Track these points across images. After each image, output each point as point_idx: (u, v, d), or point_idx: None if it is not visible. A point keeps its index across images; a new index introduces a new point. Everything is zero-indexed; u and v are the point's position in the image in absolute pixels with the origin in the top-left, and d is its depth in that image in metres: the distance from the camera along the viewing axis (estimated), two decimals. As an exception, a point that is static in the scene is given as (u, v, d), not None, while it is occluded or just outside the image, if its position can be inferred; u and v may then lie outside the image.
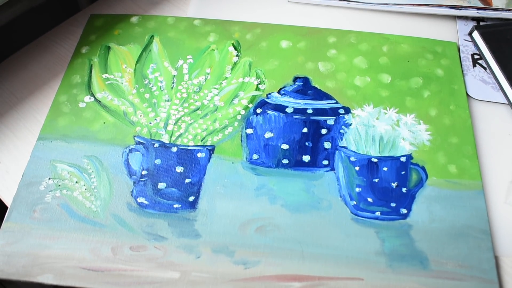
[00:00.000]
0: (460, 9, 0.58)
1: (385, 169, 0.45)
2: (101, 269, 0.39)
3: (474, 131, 0.48)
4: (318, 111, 0.48)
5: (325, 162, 0.46)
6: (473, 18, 0.59)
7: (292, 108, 0.49)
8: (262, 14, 0.59)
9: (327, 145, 0.47)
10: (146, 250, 0.40)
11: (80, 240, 0.40)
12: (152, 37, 0.55)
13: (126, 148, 0.46)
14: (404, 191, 0.44)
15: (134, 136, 0.47)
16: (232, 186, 0.44)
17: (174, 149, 0.46)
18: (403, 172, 0.45)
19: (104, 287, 0.38)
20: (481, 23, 0.58)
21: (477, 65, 0.54)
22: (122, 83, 0.51)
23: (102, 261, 0.39)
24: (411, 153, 0.46)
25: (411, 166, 0.45)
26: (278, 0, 0.61)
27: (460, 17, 0.59)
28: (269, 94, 0.50)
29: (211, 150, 0.46)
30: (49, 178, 0.44)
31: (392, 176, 0.45)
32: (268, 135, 0.47)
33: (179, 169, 0.45)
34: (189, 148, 0.46)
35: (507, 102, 0.51)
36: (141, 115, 0.48)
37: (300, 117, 0.48)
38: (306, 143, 0.47)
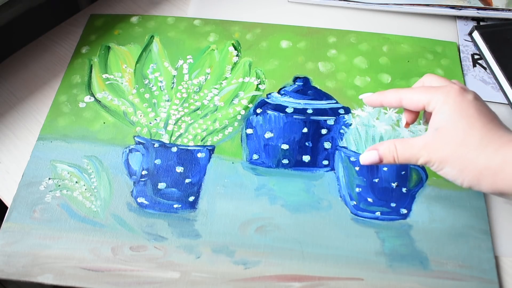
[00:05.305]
0: (460, 9, 0.58)
1: (385, 169, 0.45)
2: (101, 269, 0.39)
3: (474, 131, 0.48)
4: (318, 111, 0.48)
5: (325, 162, 0.46)
6: (473, 18, 0.59)
7: (292, 108, 0.49)
8: (262, 14, 0.59)
9: (327, 145, 0.47)
10: (146, 250, 0.40)
11: (80, 240, 0.40)
12: (152, 37, 0.55)
13: (126, 148, 0.46)
14: (404, 191, 0.44)
15: (134, 136, 0.47)
16: (232, 186, 0.44)
17: (174, 149, 0.46)
18: (403, 172, 0.45)
19: (104, 287, 0.38)
20: (481, 23, 0.58)
21: (477, 65, 0.54)
22: (122, 83, 0.51)
23: (102, 261, 0.39)
24: (411, 153, 0.46)
25: (411, 166, 0.45)
26: (278, 0, 0.61)
27: (460, 17, 0.59)
28: (269, 94, 0.50)
29: (211, 150, 0.46)
30: (49, 178, 0.44)
31: (392, 176, 0.44)
32: (268, 135, 0.47)
33: (179, 169, 0.45)
34: (189, 148, 0.46)
35: (507, 102, 0.51)
36: (141, 115, 0.48)
37: (300, 117, 0.48)
38: (306, 143, 0.47)
